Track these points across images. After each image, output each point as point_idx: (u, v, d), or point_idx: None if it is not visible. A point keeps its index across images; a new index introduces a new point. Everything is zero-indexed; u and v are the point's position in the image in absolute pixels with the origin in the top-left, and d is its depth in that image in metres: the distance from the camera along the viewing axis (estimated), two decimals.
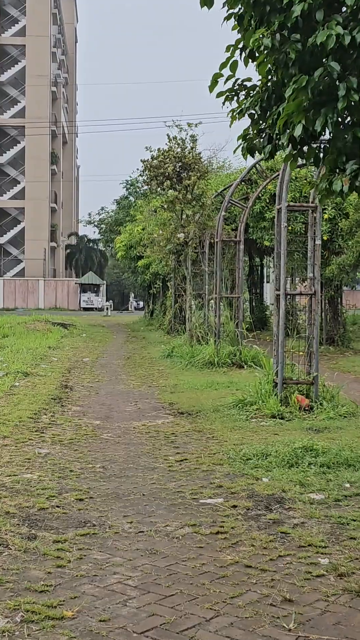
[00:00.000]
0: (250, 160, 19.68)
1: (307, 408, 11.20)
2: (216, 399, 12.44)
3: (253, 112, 4.90)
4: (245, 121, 5.13)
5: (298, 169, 18.92)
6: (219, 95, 5.02)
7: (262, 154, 5.08)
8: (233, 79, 4.96)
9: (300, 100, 4.19)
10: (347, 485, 7.17)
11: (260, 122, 4.87)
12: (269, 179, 17.44)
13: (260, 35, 4.34)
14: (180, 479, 7.44)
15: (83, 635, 4.09)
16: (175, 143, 21.73)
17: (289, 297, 13.47)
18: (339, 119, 4.34)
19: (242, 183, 20.85)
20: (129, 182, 51.50)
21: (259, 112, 4.85)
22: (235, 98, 5.01)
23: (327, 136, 4.74)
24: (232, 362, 17.25)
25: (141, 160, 21.79)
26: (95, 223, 58.50)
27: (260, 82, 4.86)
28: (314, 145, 4.81)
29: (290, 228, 19.19)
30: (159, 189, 22.08)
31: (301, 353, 12.40)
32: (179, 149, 21.56)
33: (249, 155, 5.39)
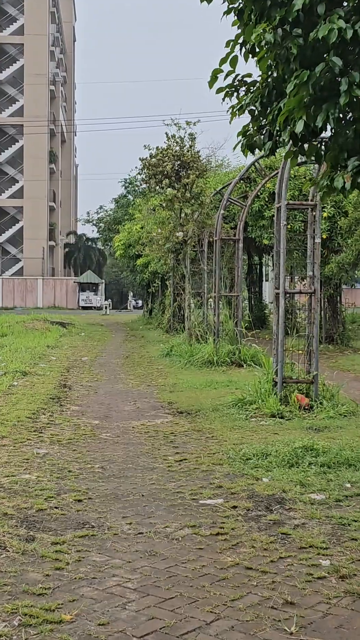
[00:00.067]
0: (249, 159, 19.64)
1: (307, 407, 11.14)
2: (215, 398, 12.39)
3: (253, 108, 4.83)
4: (245, 118, 5.07)
5: (297, 167, 18.86)
6: (219, 91, 4.95)
7: (263, 151, 5.02)
8: (233, 75, 4.90)
9: (301, 95, 4.12)
10: (348, 485, 7.11)
11: (261, 118, 4.81)
12: (267, 177, 17.37)
13: (262, 30, 4.27)
14: (179, 479, 7.38)
15: None
16: (173, 141, 21.65)
17: (288, 295, 13.45)
18: (341, 115, 4.27)
19: (241, 181, 20.77)
20: (128, 180, 51.39)
21: (259, 108, 4.78)
22: (235, 94, 4.94)
23: (328, 133, 4.69)
24: (231, 361, 17.20)
25: (140, 159, 21.74)
26: (94, 222, 58.38)
27: (260, 77, 4.79)
28: (315, 142, 4.75)
29: (289, 226, 19.11)
30: (157, 187, 22.01)
31: (300, 352, 12.34)
32: (177, 148, 21.48)
33: (248, 154, 5.32)
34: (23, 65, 78.63)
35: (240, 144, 5.07)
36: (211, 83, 4.87)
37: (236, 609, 4.42)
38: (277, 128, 4.56)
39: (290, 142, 4.62)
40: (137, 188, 48.70)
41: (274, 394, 11.33)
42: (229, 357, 17.29)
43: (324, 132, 4.49)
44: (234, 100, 4.96)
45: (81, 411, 11.52)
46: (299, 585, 4.79)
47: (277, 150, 5.20)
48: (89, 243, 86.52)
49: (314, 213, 11.88)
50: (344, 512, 6.28)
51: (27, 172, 77.78)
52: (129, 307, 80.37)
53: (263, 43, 4.35)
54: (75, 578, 4.86)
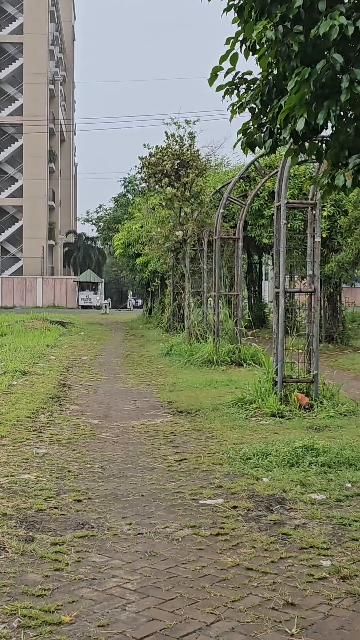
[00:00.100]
0: (249, 157, 19.60)
1: (307, 406, 11.11)
2: (215, 397, 12.36)
3: (253, 106, 4.80)
4: (246, 116, 5.04)
5: (297, 166, 18.84)
6: (219, 88, 4.92)
7: (263, 149, 4.98)
8: (233, 72, 4.86)
9: (302, 93, 4.09)
10: (349, 485, 7.08)
11: (261, 116, 4.77)
12: (267, 176, 17.34)
13: (262, 28, 4.23)
14: (179, 479, 7.35)
15: None
16: (173, 140, 21.62)
17: (288, 294, 13.41)
18: (342, 113, 4.24)
19: (241, 180, 20.74)
20: (127, 179, 51.38)
21: (260, 106, 4.74)
22: (236, 92, 4.90)
23: (328, 131, 4.65)
24: (231, 360, 17.17)
25: (139, 158, 21.70)
26: (94, 221, 58.39)
27: (260, 75, 4.76)
28: (316, 140, 4.71)
29: (289, 225, 19.09)
30: (157, 186, 21.98)
31: (300, 351, 12.32)
32: (177, 146, 21.45)
33: (248, 151, 5.28)
34: (22, 65, 78.59)
35: (240, 142, 5.04)
36: (211, 81, 4.83)
37: (237, 610, 4.40)
38: (278, 126, 4.53)
39: (291, 140, 4.59)
40: (136, 187, 48.69)
41: (274, 394, 11.30)
42: (228, 356, 17.25)
43: (324, 129, 4.46)
44: (234, 98, 4.92)
45: (81, 411, 11.49)
46: (300, 586, 4.76)
47: (277, 149, 5.17)
48: (89, 242, 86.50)
49: (314, 212, 11.85)
50: (345, 512, 6.25)
51: (27, 171, 77.74)
52: (128, 306, 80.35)
53: (264, 40, 4.32)
54: (74, 579, 4.83)
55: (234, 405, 11.38)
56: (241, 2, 4.54)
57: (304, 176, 21.50)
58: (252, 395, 11.46)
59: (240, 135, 5.01)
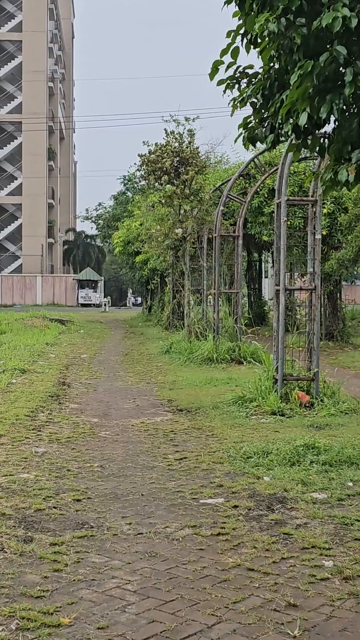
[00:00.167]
0: (249, 155, 19.54)
1: (307, 404, 11.06)
2: (215, 395, 12.30)
3: (255, 100, 4.73)
4: (247, 110, 4.97)
5: (297, 163, 18.78)
6: (220, 83, 4.85)
7: (265, 144, 4.91)
8: (234, 67, 4.79)
9: (305, 87, 4.02)
10: (350, 484, 7.02)
11: (263, 110, 4.70)
12: (267, 173, 17.27)
13: (264, 20, 4.16)
14: (179, 478, 7.29)
15: None
16: (172, 137, 21.55)
17: (288, 292, 13.33)
18: (345, 107, 4.17)
19: (240, 178, 20.67)
20: (127, 177, 51.31)
21: (261, 101, 4.67)
22: (237, 86, 4.83)
23: (330, 127, 4.60)
24: (231, 358, 17.12)
25: (139, 155, 21.63)
26: (93, 219, 58.37)
27: (262, 69, 4.69)
28: (318, 135, 4.64)
29: (289, 223, 19.02)
30: (156, 183, 21.92)
31: (301, 349, 12.26)
32: (176, 144, 21.38)
33: (248, 147, 5.22)
34: (21, 62, 78.46)
35: (241, 137, 4.97)
36: (212, 75, 4.77)
37: (238, 612, 4.34)
38: (280, 120, 4.46)
39: (293, 135, 4.52)
40: (136, 185, 48.63)
41: (275, 392, 11.25)
42: (228, 354, 17.20)
43: (327, 124, 4.40)
44: (235, 93, 4.85)
45: (80, 409, 11.43)
46: (302, 587, 4.70)
47: (277, 147, 5.11)
48: (88, 240, 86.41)
49: (315, 209, 11.78)
50: (347, 512, 6.19)
51: (26, 170, 77.64)
52: (128, 304, 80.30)
53: (265, 33, 4.25)
54: (74, 580, 4.77)
55: (234, 403, 11.32)
56: None
57: (304, 173, 21.45)
58: (253, 393, 11.40)
59: (242, 129, 4.94)
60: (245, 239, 24.27)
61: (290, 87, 4.16)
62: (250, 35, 4.56)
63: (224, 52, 4.67)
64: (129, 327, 35.32)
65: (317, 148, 4.64)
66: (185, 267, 21.81)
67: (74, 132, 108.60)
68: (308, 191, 12.55)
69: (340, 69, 4.08)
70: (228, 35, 4.66)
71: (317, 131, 4.60)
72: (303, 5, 4.06)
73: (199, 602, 4.46)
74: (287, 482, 7.01)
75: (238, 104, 4.82)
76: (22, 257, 77.68)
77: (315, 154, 5.05)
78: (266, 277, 46.68)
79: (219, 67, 4.75)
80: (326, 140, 4.65)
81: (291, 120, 4.36)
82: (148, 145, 21.74)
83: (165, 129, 21.63)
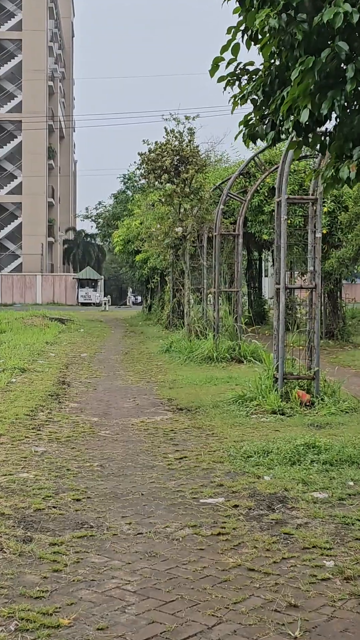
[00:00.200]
0: (249, 153, 19.49)
1: (308, 403, 11.03)
2: (215, 394, 12.27)
3: (255, 97, 4.68)
4: (247, 108, 4.93)
5: (297, 161, 18.74)
6: (220, 80, 4.80)
7: (265, 141, 4.87)
8: (235, 63, 4.75)
9: (307, 83, 3.98)
10: (351, 483, 6.99)
11: (263, 107, 4.66)
12: (267, 172, 17.23)
13: (265, 16, 4.12)
14: (180, 477, 7.26)
15: None
16: (172, 136, 21.51)
17: (288, 291, 13.29)
18: (346, 103, 4.13)
19: (241, 176, 20.64)
20: (127, 176, 51.28)
21: (262, 98, 4.63)
22: (237, 83, 4.79)
23: (331, 124, 4.56)
24: (231, 357, 17.08)
25: (139, 154, 21.59)
26: (93, 218, 58.34)
27: (263, 66, 4.65)
28: (319, 132, 4.61)
29: (289, 221, 19.00)
30: (156, 182, 21.88)
31: (301, 347, 12.23)
32: (176, 142, 21.34)
33: (249, 145, 5.18)
34: (21, 61, 78.40)
35: (241, 134, 4.93)
36: (212, 72, 4.73)
37: (238, 613, 4.31)
38: (280, 117, 4.43)
39: (294, 132, 4.49)
40: (136, 184, 48.59)
41: (275, 390, 11.21)
42: (228, 353, 17.17)
43: (328, 121, 4.36)
44: (236, 90, 4.81)
45: (80, 408, 11.40)
46: (303, 587, 4.67)
47: (277, 145, 5.07)
48: (88, 239, 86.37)
49: (315, 207, 11.75)
50: (348, 511, 6.16)
51: (26, 168, 77.60)
52: (128, 303, 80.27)
53: (266, 29, 4.21)
54: (73, 580, 4.74)
55: (234, 402, 11.29)
56: None
57: (305, 172, 21.41)
58: (253, 392, 11.37)
59: (242, 127, 4.90)
60: (246, 238, 24.23)
61: (291, 84, 4.12)
62: (250, 31, 4.52)
63: (224, 49, 4.63)
64: (129, 326, 35.29)
65: (318, 145, 4.61)
66: (185, 265, 21.78)
67: (74, 131, 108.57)
68: (308, 190, 12.51)
69: (342, 65, 4.05)
70: (228, 31, 4.62)
71: (318, 128, 4.56)
72: (304, 0, 4.03)
73: (199, 603, 4.43)
74: (287, 482, 6.97)
75: (238, 101, 4.78)
76: (22, 256, 77.65)
77: (316, 152, 5.01)
78: (266, 275, 46.65)
79: (219, 63, 4.71)
80: (327, 137, 4.62)
81: (292, 117, 4.33)
82: (148, 144, 21.71)
83: (165, 128, 21.60)
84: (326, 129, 4.68)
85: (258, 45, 4.48)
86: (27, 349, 19.35)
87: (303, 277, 20.83)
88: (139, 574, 4.87)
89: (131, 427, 9.90)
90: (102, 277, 75.77)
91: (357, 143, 4.26)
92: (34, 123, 74.84)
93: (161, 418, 10.60)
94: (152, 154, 21.20)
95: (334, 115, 4.24)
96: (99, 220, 56.98)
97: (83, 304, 68.62)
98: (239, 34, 4.63)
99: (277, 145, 5.10)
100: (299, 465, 7.55)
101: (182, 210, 21.29)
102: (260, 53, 4.49)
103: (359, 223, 20.30)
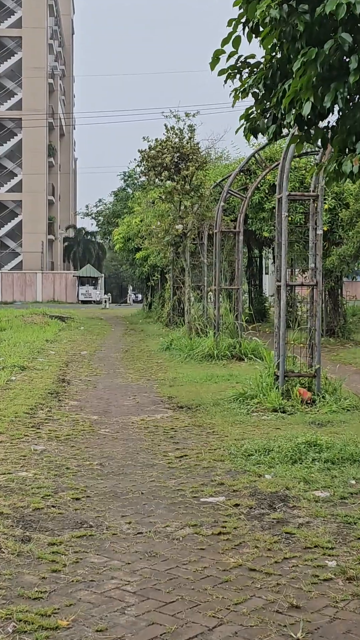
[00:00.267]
0: (249, 150, 19.43)
1: (309, 401, 10.97)
2: (216, 392, 12.21)
3: (257, 90, 4.61)
4: (248, 101, 4.86)
5: (298, 158, 18.66)
6: (221, 73, 4.73)
7: (267, 135, 4.80)
8: (236, 56, 4.68)
9: (309, 75, 3.90)
10: (353, 482, 6.93)
11: (265, 101, 4.59)
12: (268, 168, 17.15)
13: (266, 7, 4.05)
14: (180, 476, 7.20)
15: None
16: (173, 133, 21.42)
17: (289, 288, 13.25)
18: (350, 96, 4.06)
19: (241, 173, 20.56)
20: (127, 173, 51.16)
21: (263, 91, 4.56)
22: (238, 76, 4.72)
23: (333, 118, 4.49)
24: (231, 355, 17.02)
25: (139, 151, 21.50)
26: (93, 215, 58.17)
27: (264, 58, 4.58)
28: (321, 125, 4.54)
29: (290, 218, 18.93)
30: (156, 179, 21.79)
31: (302, 345, 12.17)
32: (176, 139, 21.25)
33: (250, 139, 5.12)
34: (21, 59, 78.27)
35: (242, 128, 4.86)
36: (213, 65, 4.65)
37: (240, 614, 4.24)
38: (282, 111, 4.35)
39: (296, 125, 4.41)
40: (136, 181, 48.49)
41: (276, 388, 11.15)
42: (229, 350, 17.11)
43: (331, 114, 4.29)
44: (237, 83, 4.74)
45: (80, 406, 11.34)
46: (305, 587, 4.61)
47: (278, 142, 5.00)
48: (88, 237, 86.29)
49: (316, 204, 11.68)
50: (350, 510, 6.10)
51: (26, 166, 77.51)
52: (128, 301, 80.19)
53: (267, 20, 4.13)
54: (72, 581, 4.68)
55: (235, 400, 11.23)
56: None
57: (305, 169, 21.33)
58: (254, 390, 11.31)
59: (243, 121, 4.83)
60: (246, 235, 24.17)
61: (293, 76, 4.05)
62: (251, 23, 4.45)
63: (225, 41, 4.56)
64: (129, 323, 35.23)
65: (320, 139, 4.54)
66: (186, 263, 21.71)
67: (74, 128, 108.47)
68: (309, 187, 12.44)
69: (345, 57, 3.98)
70: (229, 23, 4.55)
71: (320, 122, 4.49)
72: None
73: (200, 604, 4.37)
74: (288, 480, 6.91)
75: (239, 95, 4.71)
76: (22, 254, 77.58)
77: (317, 148, 4.95)
78: (267, 273, 46.56)
79: (220, 56, 4.64)
80: (329, 131, 4.54)
81: (294, 111, 4.26)
82: (148, 141, 21.61)
83: (165, 125, 21.49)
84: (329, 122, 4.61)
85: (259, 38, 4.41)
86: (27, 346, 19.30)
87: (304, 275, 20.77)
88: (139, 574, 4.80)
89: (131, 425, 9.84)
90: (103, 274, 75.72)
91: None
92: (34, 120, 74.72)
93: (161, 416, 10.54)
94: (152, 151, 21.11)
95: (336, 108, 4.17)
96: (99, 217, 56.84)
97: (83, 302, 68.58)
98: (240, 26, 4.56)
99: (277, 141, 5.04)
100: (301, 463, 7.49)
101: (182, 207, 21.21)
102: (261, 45, 4.42)
103: None
